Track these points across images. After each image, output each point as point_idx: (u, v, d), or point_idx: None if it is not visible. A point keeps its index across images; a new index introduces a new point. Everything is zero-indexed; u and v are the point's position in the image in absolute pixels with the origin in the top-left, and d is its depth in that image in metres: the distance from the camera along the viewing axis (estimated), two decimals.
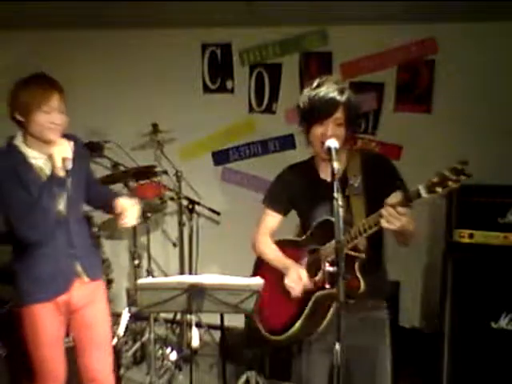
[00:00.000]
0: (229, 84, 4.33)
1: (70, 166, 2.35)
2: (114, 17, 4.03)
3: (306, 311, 2.26)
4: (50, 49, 4.43)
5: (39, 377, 2.52)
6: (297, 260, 2.34)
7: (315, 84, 2.25)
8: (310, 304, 2.26)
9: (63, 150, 2.35)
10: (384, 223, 2.00)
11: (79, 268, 2.50)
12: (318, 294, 2.23)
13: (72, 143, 2.40)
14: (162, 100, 4.33)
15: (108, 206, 2.60)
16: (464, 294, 3.19)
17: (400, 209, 1.98)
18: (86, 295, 2.54)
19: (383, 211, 2.00)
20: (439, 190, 1.90)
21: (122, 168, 3.97)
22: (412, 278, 3.95)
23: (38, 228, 2.36)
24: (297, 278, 2.27)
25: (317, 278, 2.26)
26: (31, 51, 4.47)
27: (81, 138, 2.61)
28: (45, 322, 2.45)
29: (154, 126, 4.04)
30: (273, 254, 2.44)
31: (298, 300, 2.29)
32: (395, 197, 2.17)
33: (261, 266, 2.51)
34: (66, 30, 4.32)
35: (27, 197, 2.33)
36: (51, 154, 2.33)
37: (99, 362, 2.61)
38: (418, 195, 1.94)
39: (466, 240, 3.21)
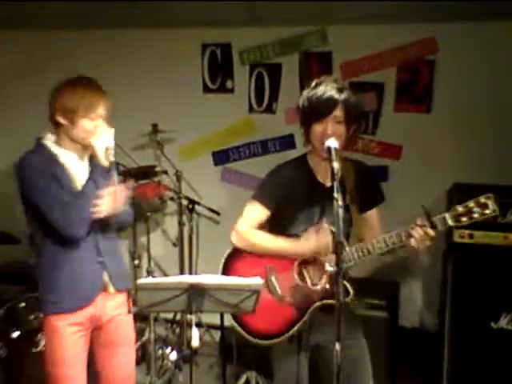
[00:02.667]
0: (229, 84, 4.33)
1: (112, 155, 2.27)
2: (113, 17, 4.04)
3: (305, 318, 2.26)
4: (49, 49, 4.43)
5: None
6: (286, 266, 2.30)
7: (313, 84, 2.26)
8: (311, 311, 2.25)
9: (105, 138, 2.27)
10: (413, 243, 2.10)
11: (106, 278, 2.37)
12: (322, 302, 2.24)
13: (113, 130, 2.31)
14: (162, 100, 4.33)
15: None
16: (464, 294, 3.19)
17: (431, 232, 2.10)
18: (113, 308, 2.40)
19: (414, 232, 2.09)
20: (465, 220, 2.05)
21: (121, 168, 3.96)
22: (412, 278, 3.95)
23: (81, 224, 2.24)
24: (323, 239, 2.22)
25: (318, 287, 2.25)
26: (30, 51, 4.48)
27: None
28: (67, 338, 2.29)
29: (154, 126, 4.04)
30: (276, 243, 2.32)
31: (296, 307, 2.27)
32: (375, 212, 2.36)
33: (235, 262, 2.42)
34: (65, 30, 4.33)
35: (66, 194, 2.24)
36: (92, 145, 2.26)
37: (120, 379, 2.48)
38: (445, 223, 2.08)
39: (466, 240, 3.21)
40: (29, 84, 4.41)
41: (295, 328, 2.28)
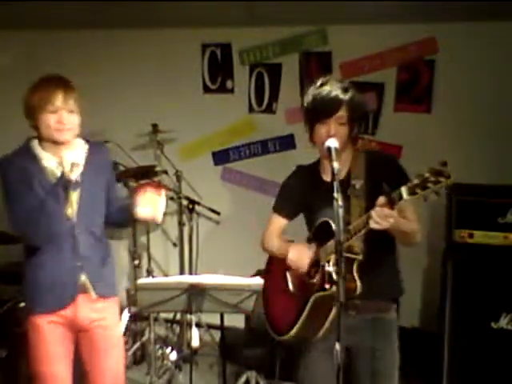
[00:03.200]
0: (229, 84, 4.33)
1: (78, 171, 2.29)
2: (113, 17, 4.04)
3: (305, 312, 2.26)
4: (49, 49, 4.43)
5: None
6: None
7: (319, 83, 2.25)
8: (309, 305, 2.25)
9: (74, 154, 2.28)
10: (372, 224, 2.01)
11: (85, 282, 2.34)
12: (317, 294, 2.23)
13: (87, 147, 2.34)
14: (162, 100, 4.33)
15: (127, 212, 2.45)
16: (464, 294, 3.19)
17: (386, 211, 1.98)
18: (94, 312, 2.37)
19: (372, 212, 2.01)
20: (420, 192, 1.90)
21: (121, 168, 3.97)
22: (412, 278, 3.94)
23: (40, 231, 2.27)
24: (297, 254, 2.28)
25: (315, 278, 2.26)
26: (30, 51, 4.48)
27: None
28: (47, 336, 2.31)
29: (154, 126, 4.04)
30: (276, 246, 2.45)
31: (299, 300, 2.29)
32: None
33: (269, 266, 2.55)
34: (65, 30, 4.33)
35: (33, 199, 2.26)
36: (61, 156, 2.26)
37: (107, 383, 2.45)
38: (400, 197, 1.95)
39: (466, 240, 3.21)
40: (29, 84, 4.41)
41: (298, 324, 2.27)
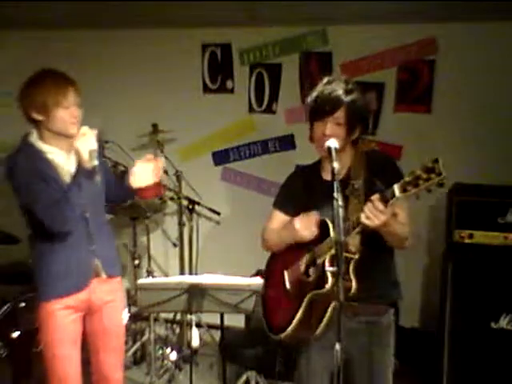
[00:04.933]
0: (229, 84, 4.33)
1: (96, 158, 2.31)
2: (113, 17, 4.04)
3: (300, 311, 2.25)
4: (49, 49, 4.43)
5: (52, 377, 2.46)
6: (296, 259, 2.34)
7: (325, 81, 2.25)
8: (305, 303, 2.25)
9: (88, 141, 2.30)
10: (363, 218, 2.02)
11: (98, 265, 2.46)
12: (313, 293, 2.23)
13: (96, 131, 2.36)
14: (162, 100, 4.33)
15: (126, 185, 2.54)
16: (464, 294, 3.19)
17: (379, 206, 1.98)
18: (106, 293, 2.50)
19: (364, 207, 2.02)
20: (411, 189, 1.90)
21: (121, 168, 3.97)
22: (412, 278, 3.94)
23: (66, 222, 2.32)
24: (303, 221, 2.23)
25: (310, 278, 2.26)
26: (30, 51, 4.47)
27: None
28: (61, 319, 2.41)
29: (154, 126, 4.04)
30: (278, 233, 2.40)
31: (296, 299, 2.29)
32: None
33: (269, 266, 2.52)
34: (65, 30, 4.33)
35: (52, 192, 2.29)
36: (76, 147, 2.29)
37: (112, 365, 2.57)
38: (393, 195, 1.96)
39: (466, 240, 3.21)
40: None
41: (293, 323, 2.26)
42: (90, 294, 2.45)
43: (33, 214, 2.32)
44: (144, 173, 2.51)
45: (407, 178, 1.91)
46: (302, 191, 2.39)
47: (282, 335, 2.31)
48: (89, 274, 2.44)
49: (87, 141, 2.30)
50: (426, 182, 1.86)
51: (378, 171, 2.25)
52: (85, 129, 2.34)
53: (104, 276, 2.48)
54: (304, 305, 2.25)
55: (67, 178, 2.36)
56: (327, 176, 2.31)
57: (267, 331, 2.42)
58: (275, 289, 2.40)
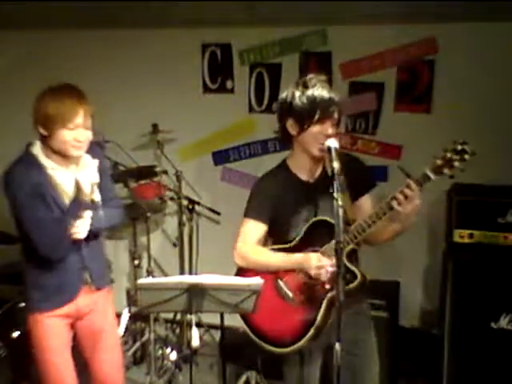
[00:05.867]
0: (229, 84, 4.33)
1: (98, 195, 2.28)
2: (113, 17, 4.04)
3: (320, 315, 2.23)
4: (49, 49, 4.44)
5: (47, 382, 2.45)
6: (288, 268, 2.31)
7: (309, 83, 2.24)
8: (324, 307, 2.23)
9: (90, 174, 2.26)
10: (396, 206, 2.06)
11: (87, 277, 2.47)
12: (330, 295, 2.21)
13: (97, 161, 2.31)
14: (162, 100, 4.33)
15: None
16: (464, 294, 3.19)
17: (411, 193, 2.05)
18: (92, 303, 2.51)
19: (397, 194, 2.06)
20: (447, 171, 2.01)
21: (122, 168, 3.97)
22: (412, 277, 3.95)
23: (60, 252, 2.33)
24: (319, 263, 2.19)
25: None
26: (30, 51, 4.48)
27: None
28: (51, 328, 2.42)
29: (154, 126, 4.04)
30: (274, 258, 2.32)
31: (306, 306, 2.26)
32: (367, 198, 2.33)
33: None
34: (65, 30, 4.32)
35: (48, 214, 2.27)
36: (76, 180, 2.25)
37: (108, 365, 2.57)
38: (428, 178, 2.04)
39: (466, 240, 3.21)
40: (29, 84, 4.40)
41: (314, 327, 2.23)
42: (78, 304, 2.46)
43: (26, 234, 2.32)
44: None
45: (438, 161, 2.01)
46: (279, 196, 2.33)
47: (295, 346, 2.25)
48: (77, 288, 2.45)
49: (88, 173, 2.26)
50: (461, 162, 1.99)
51: (348, 172, 2.22)
52: (86, 160, 2.30)
53: (92, 288, 2.49)
54: (323, 309, 2.23)
55: (64, 197, 2.32)
56: (305, 176, 2.33)
57: (267, 347, 2.32)
58: (267, 301, 2.26)
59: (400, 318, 3.72)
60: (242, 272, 2.39)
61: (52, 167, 2.32)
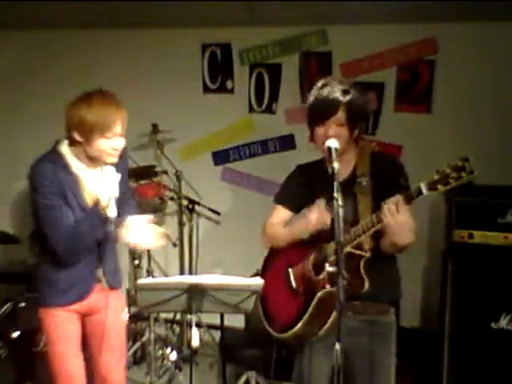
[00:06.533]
0: (229, 84, 4.33)
1: (114, 211, 2.28)
2: (113, 17, 4.04)
3: (310, 309, 2.25)
4: (49, 49, 4.43)
5: (57, 376, 2.47)
6: (302, 257, 2.33)
7: (320, 84, 2.25)
8: (314, 302, 2.24)
9: (110, 187, 2.26)
10: (385, 219, 2.02)
11: (101, 276, 2.48)
12: (322, 292, 2.22)
13: (119, 176, 2.32)
14: (162, 100, 4.33)
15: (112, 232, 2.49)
16: (464, 294, 3.19)
17: (400, 206, 1.99)
18: (104, 301, 2.51)
19: (384, 206, 2.02)
20: (441, 187, 1.92)
21: None
22: (412, 278, 3.94)
23: (78, 255, 2.34)
24: (317, 212, 2.20)
25: (320, 276, 2.25)
26: (30, 51, 4.48)
27: None
28: (61, 321, 2.43)
29: (154, 126, 4.04)
30: (287, 227, 2.37)
31: (303, 297, 2.29)
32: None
33: (268, 263, 2.50)
34: (65, 30, 4.32)
35: (64, 217, 2.29)
36: (97, 192, 2.27)
37: (112, 365, 2.57)
38: (419, 192, 1.97)
39: (466, 240, 3.21)
40: (28, 84, 4.41)
41: (299, 324, 2.25)
42: (92, 300, 2.47)
43: (44, 233, 2.32)
44: (140, 232, 2.41)
45: (436, 176, 1.92)
46: (306, 189, 2.37)
47: (288, 333, 2.30)
48: (91, 287, 2.45)
49: (109, 186, 2.27)
50: (457, 181, 1.89)
51: (382, 171, 2.26)
52: (110, 172, 2.30)
53: (105, 287, 2.50)
54: (314, 303, 2.24)
55: (89, 199, 2.34)
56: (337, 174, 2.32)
57: (269, 330, 2.40)
58: (277, 287, 2.38)
59: (400, 318, 3.71)
60: (273, 253, 2.48)
61: (78, 167, 2.34)
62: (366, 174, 2.26)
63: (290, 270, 2.37)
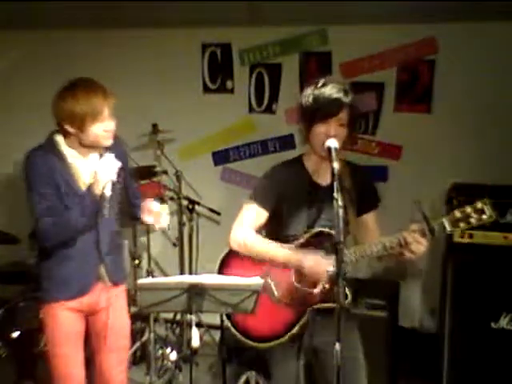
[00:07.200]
0: (229, 84, 4.33)
1: (109, 192, 2.33)
2: (113, 17, 4.03)
3: (304, 319, 2.26)
4: (49, 49, 4.43)
5: (56, 375, 2.48)
6: (287, 269, 2.30)
7: (320, 83, 2.25)
8: (306, 317, 2.26)
9: (108, 171, 2.30)
10: (409, 250, 2.09)
11: (103, 271, 2.48)
12: (321, 306, 2.23)
13: (120, 163, 2.35)
14: (162, 100, 4.33)
15: (135, 209, 2.60)
16: (464, 294, 3.19)
17: (421, 238, 2.07)
18: (107, 300, 2.51)
19: (409, 237, 2.07)
20: (462, 225, 2.05)
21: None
22: (412, 278, 3.95)
23: (54, 240, 2.35)
24: (315, 263, 2.19)
25: (316, 289, 2.23)
26: (30, 51, 4.48)
27: None
28: (63, 319, 2.43)
29: (154, 126, 4.04)
30: (272, 250, 2.29)
31: (292, 307, 2.27)
32: (372, 215, 2.33)
33: (231, 263, 2.43)
34: (65, 30, 4.32)
35: (59, 205, 2.31)
36: (95, 171, 2.31)
37: (114, 365, 2.58)
38: (444, 229, 2.05)
39: (466, 240, 3.21)
40: (29, 84, 4.42)
41: (293, 331, 2.27)
42: (94, 298, 2.48)
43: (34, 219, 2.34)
44: (153, 214, 2.54)
45: (458, 214, 2.04)
46: (287, 187, 2.32)
47: (273, 343, 2.28)
48: (92, 281, 2.46)
49: (107, 170, 2.31)
50: (478, 222, 2.04)
51: (360, 183, 2.30)
52: (110, 157, 2.34)
53: (108, 283, 2.51)
54: (304, 318, 2.25)
55: (82, 186, 2.36)
56: (320, 179, 2.32)
57: (241, 339, 2.36)
58: None
59: (400, 317, 3.72)
60: (231, 255, 2.42)
61: (72, 155, 2.36)
62: (349, 183, 2.27)
63: (269, 280, 2.30)
